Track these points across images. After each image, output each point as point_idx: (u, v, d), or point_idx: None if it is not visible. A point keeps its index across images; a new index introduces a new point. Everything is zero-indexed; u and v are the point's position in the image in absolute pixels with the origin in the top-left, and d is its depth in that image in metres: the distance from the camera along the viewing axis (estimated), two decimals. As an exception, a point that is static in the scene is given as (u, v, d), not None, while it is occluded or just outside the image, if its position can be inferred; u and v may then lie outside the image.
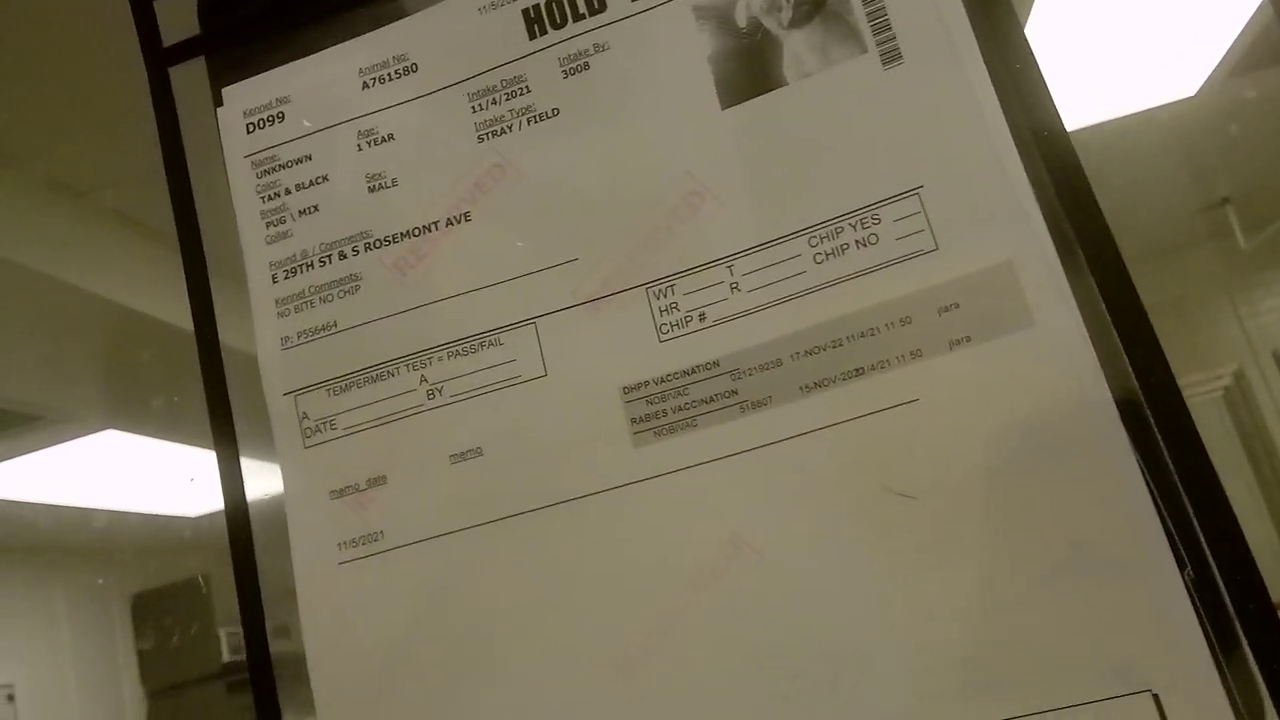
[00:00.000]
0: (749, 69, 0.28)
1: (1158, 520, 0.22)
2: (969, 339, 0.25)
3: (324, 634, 0.28)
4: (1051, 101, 0.24)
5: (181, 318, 0.31)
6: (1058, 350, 0.24)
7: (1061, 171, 0.24)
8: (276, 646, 0.29)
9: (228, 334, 0.31)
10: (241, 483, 0.30)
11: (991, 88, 0.25)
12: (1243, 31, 1.07)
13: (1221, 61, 1.13)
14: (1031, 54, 0.25)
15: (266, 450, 0.30)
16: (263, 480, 0.31)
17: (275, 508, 0.29)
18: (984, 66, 0.26)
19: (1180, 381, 0.23)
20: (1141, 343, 0.22)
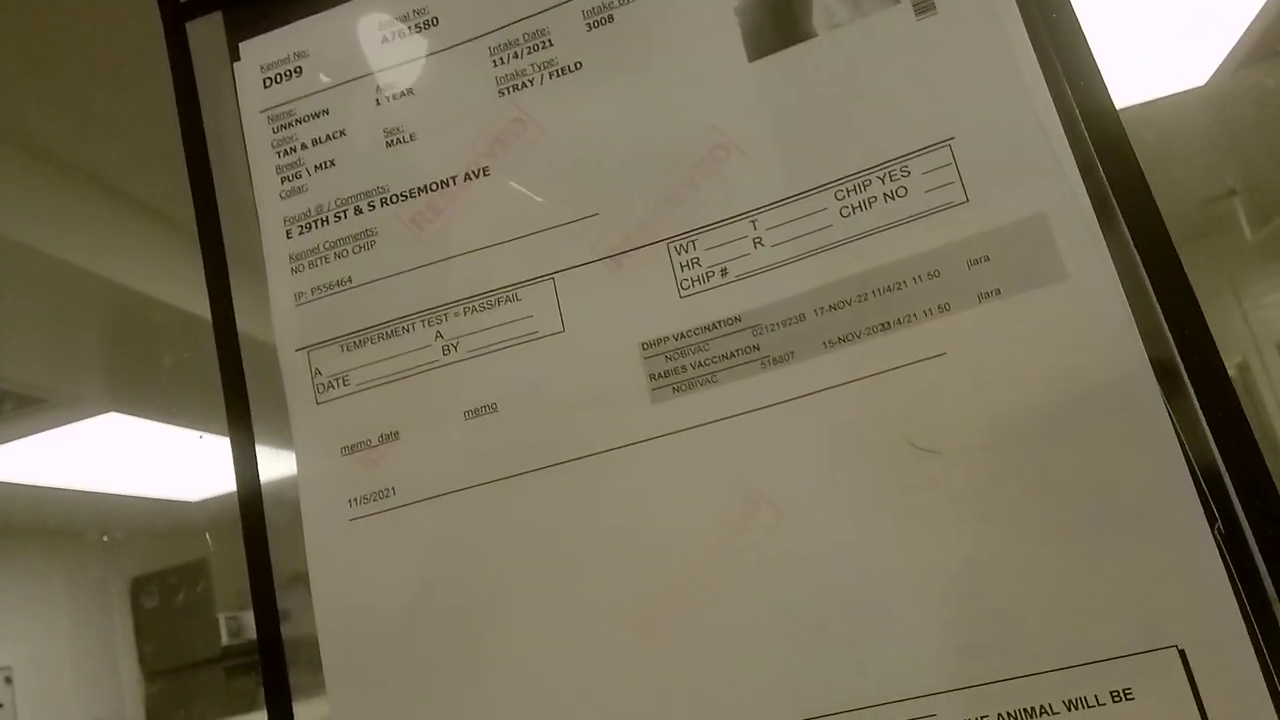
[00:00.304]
0: (777, 20, 0.28)
1: (1188, 475, 0.22)
2: (998, 292, 0.24)
3: (334, 590, 0.28)
4: (1089, 53, 0.24)
5: (187, 300, 0.30)
6: (1090, 303, 0.23)
7: (1099, 123, 0.24)
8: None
9: (244, 311, 0.31)
10: (255, 458, 0.30)
11: (1028, 39, 0.25)
12: (1254, 21, 1.06)
13: (1232, 51, 1.12)
14: (1069, 5, 0.24)
15: (274, 436, 0.29)
16: (269, 465, 0.30)
17: (278, 492, 0.29)
18: (1020, 17, 0.25)
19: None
20: (1177, 295, 0.22)
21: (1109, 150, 0.23)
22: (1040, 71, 0.25)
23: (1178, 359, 0.22)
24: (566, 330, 0.28)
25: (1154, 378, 0.22)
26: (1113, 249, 0.23)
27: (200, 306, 0.30)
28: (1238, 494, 0.21)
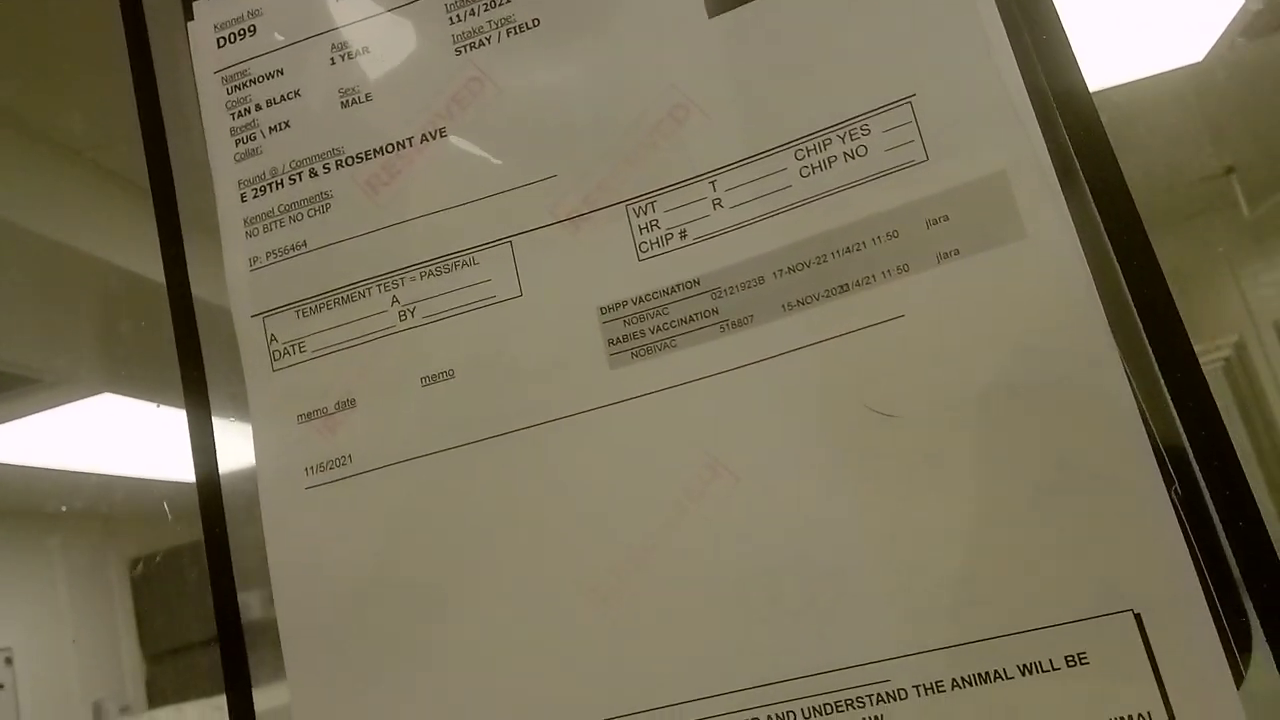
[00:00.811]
0: (736, -23, 0.27)
1: (1145, 435, 0.22)
2: (957, 252, 0.24)
3: (290, 560, 0.28)
4: (1053, 9, 0.23)
5: (206, 283, 0.30)
6: (1049, 262, 0.23)
7: (1061, 78, 0.23)
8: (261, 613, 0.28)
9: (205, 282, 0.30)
10: (211, 427, 0.29)
11: (988, -7, 0.24)
12: (1253, -5, 1.05)
13: (1229, 27, 1.10)
14: (1030, -44, 0.24)
15: (241, 405, 0.29)
16: (239, 436, 0.30)
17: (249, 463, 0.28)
18: (979, -31, 0.25)
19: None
20: (1136, 253, 0.22)
21: (1071, 108, 0.23)
22: (1002, 26, 0.24)
23: (1137, 319, 0.22)
24: (525, 294, 0.27)
25: (1112, 338, 0.22)
26: (1074, 209, 0.23)
27: (195, 286, 0.30)
28: (1195, 456, 0.21)
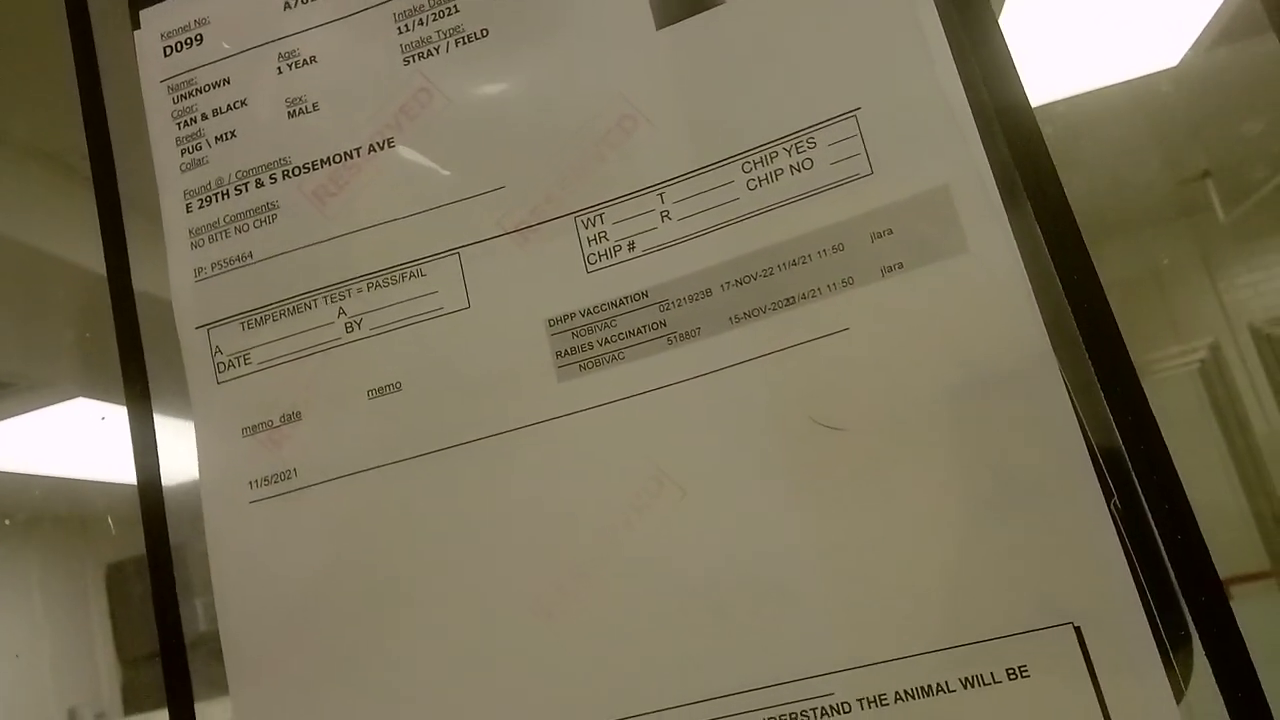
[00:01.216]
0: (684, -13, 0.27)
1: (1084, 448, 0.22)
2: (901, 266, 0.24)
3: (233, 576, 0.27)
4: (995, 21, 0.23)
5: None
6: (991, 276, 0.23)
7: (1003, 93, 0.23)
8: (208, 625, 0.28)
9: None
10: (154, 435, 0.29)
11: (934, 7, 0.24)
12: (1226, 1, 1.06)
13: (1204, 32, 1.11)
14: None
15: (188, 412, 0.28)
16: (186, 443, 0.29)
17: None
18: (924, -18, 0.24)
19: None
20: (1077, 267, 0.22)
21: (1012, 123, 0.23)
22: (945, 41, 0.24)
23: (1078, 332, 0.22)
24: (472, 306, 0.27)
25: (1051, 350, 0.22)
26: (1016, 223, 0.23)
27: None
28: (1134, 468, 0.21)
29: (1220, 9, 1.08)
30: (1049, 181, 0.22)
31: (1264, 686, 0.20)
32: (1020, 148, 0.22)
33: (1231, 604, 0.20)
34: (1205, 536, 0.21)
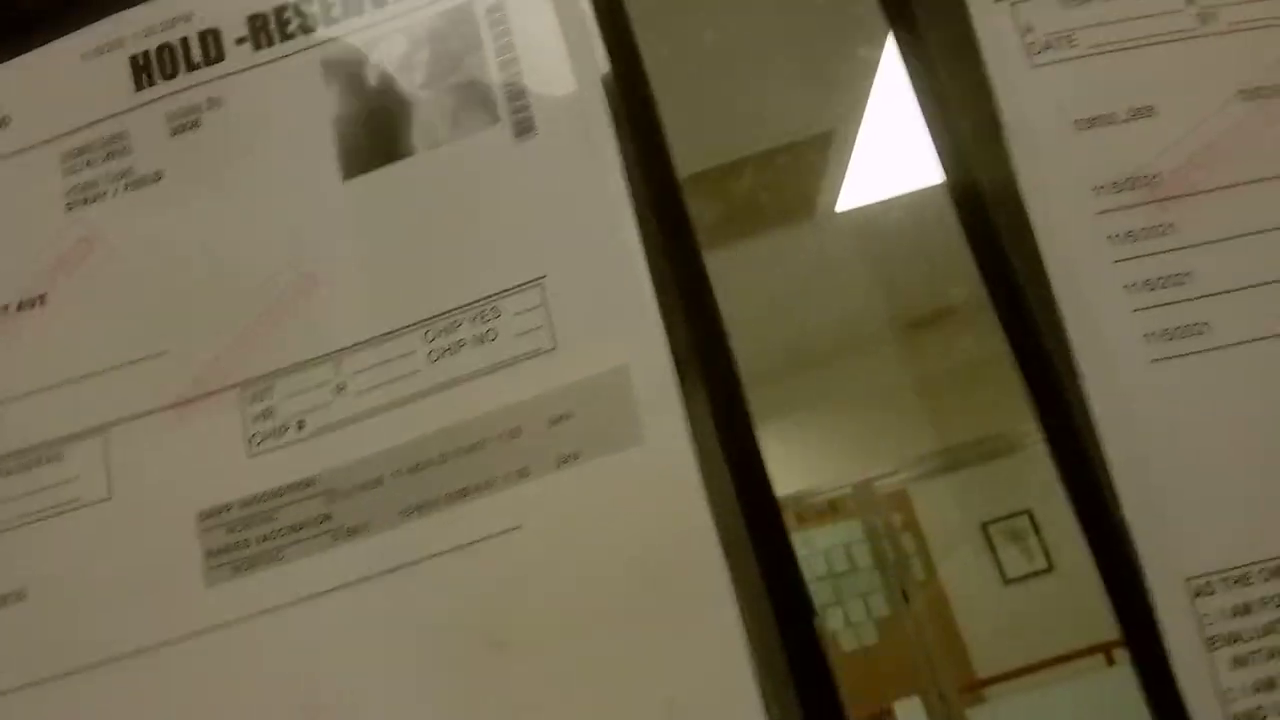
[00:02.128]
0: (376, 135, 0.25)
1: (750, 673, 0.19)
2: (577, 456, 0.21)
3: None
4: (676, 185, 0.21)
5: None
6: (663, 472, 0.20)
7: (685, 264, 0.21)
8: None
9: None
10: None
11: (620, 169, 0.22)
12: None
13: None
14: (660, 129, 0.22)
15: None
16: None
17: None
18: (615, 144, 0.22)
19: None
20: (747, 462, 0.19)
21: (694, 300, 0.20)
22: (630, 206, 0.22)
23: (746, 533, 0.19)
24: (113, 497, 0.23)
25: (723, 559, 0.19)
26: (692, 409, 0.20)
27: None
28: (799, 693, 0.18)
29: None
30: (724, 365, 0.20)
31: None
32: (699, 323, 0.20)
33: None
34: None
